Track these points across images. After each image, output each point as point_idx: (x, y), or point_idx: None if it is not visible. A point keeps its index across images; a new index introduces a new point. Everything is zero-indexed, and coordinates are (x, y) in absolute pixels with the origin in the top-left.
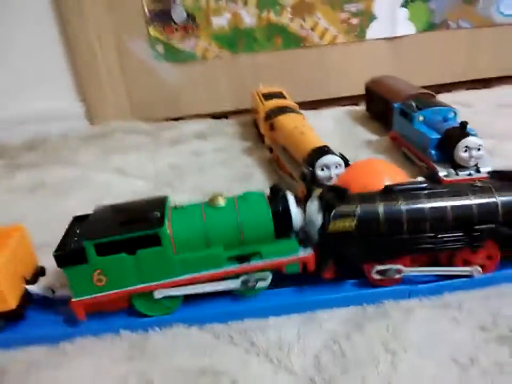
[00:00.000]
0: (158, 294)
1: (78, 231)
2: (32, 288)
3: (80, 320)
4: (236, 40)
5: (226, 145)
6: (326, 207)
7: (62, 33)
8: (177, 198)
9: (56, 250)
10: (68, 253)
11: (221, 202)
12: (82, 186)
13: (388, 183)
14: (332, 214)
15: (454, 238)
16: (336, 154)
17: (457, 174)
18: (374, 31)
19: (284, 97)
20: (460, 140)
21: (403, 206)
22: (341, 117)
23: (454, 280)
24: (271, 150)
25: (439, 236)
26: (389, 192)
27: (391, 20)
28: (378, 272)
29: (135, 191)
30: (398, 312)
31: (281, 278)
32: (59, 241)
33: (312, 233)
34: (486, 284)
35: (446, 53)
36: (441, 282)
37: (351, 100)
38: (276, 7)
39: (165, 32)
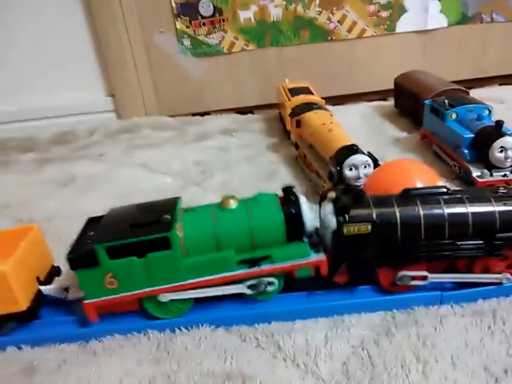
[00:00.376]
0: (162, 298)
1: (91, 233)
2: (46, 288)
3: (92, 321)
4: (263, 33)
5: (252, 141)
6: (340, 210)
7: (91, 28)
8: (204, 196)
9: (69, 253)
10: (80, 256)
11: (233, 204)
12: (111, 182)
13: (420, 185)
14: (346, 217)
15: (474, 246)
16: (365, 154)
17: (491, 175)
18: (404, 23)
19: (311, 93)
20: (495, 140)
21: (421, 211)
22: (368, 113)
23: (487, 288)
24: (297, 147)
25: (458, 243)
26: (406, 196)
27: (423, 12)
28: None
29: (162, 188)
30: (429, 319)
31: (306, 281)
32: (72, 243)
33: (326, 236)
34: None
35: (479, 47)
36: (474, 289)
37: (378, 95)
38: (303, 0)
39: (192, 25)
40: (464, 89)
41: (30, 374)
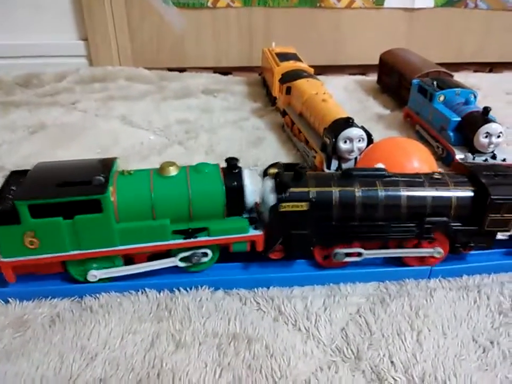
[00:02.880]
0: (91, 277)
1: (14, 188)
2: None
3: (9, 281)
4: None
5: (236, 105)
6: (280, 187)
7: None
8: (189, 156)
9: None
10: None
11: (172, 172)
12: (88, 134)
13: (416, 164)
14: (285, 195)
15: (405, 228)
16: (360, 127)
17: (474, 159)
18: None
19: (299, 60)
20: (482, 125)
21: (358, 192)
22: (351, 87)
23: (473, 264)
24: (284, 114)
25: (391, 225)
26: (346, 176)
27: None
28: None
29: (145, 144)
30: (420, 291)
31: None
32: None
33: (265, 212)
34: (505, 269)
35: (460, 32)
36: (460, 266)
37: (358, 69)
38: None
39: None
40: (449, 72)
41: (22, 328)
